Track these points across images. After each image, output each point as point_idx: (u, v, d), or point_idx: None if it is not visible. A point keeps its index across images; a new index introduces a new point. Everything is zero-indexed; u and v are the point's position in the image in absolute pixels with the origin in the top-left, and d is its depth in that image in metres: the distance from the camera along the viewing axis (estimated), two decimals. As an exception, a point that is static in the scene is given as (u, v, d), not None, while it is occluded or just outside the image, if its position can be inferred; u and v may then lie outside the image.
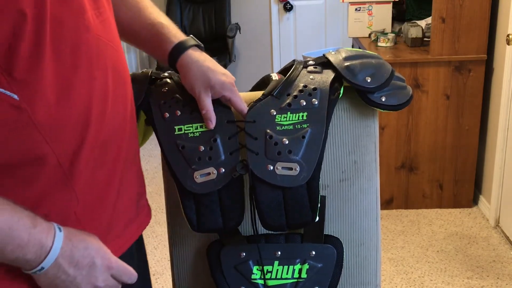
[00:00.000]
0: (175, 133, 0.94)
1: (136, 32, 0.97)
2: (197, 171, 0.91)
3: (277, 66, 4.89)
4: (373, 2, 3.19)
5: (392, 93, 0.97)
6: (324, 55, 1.01)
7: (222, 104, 0.95)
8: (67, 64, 0.72)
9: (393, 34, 2.98)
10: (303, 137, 0.91)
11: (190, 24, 4.60)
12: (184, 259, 1.05)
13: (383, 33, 3.05)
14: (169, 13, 4.59)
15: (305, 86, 0.95)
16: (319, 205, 0.93)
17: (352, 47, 3.73)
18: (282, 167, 0.90)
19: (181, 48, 0.93)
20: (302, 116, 0.93)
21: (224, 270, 0.97)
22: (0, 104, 0.66)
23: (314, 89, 0.95)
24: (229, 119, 0.94)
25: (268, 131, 0.92)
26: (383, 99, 0.96)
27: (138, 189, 0.93)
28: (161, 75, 1.01)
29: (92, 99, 0.76)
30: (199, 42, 0.96)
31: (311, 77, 0.97)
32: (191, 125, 0.94)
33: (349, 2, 3.25)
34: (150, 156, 3.79)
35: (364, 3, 3.21)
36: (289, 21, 4.77)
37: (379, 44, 2.98)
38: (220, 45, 4.50)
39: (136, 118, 0.96)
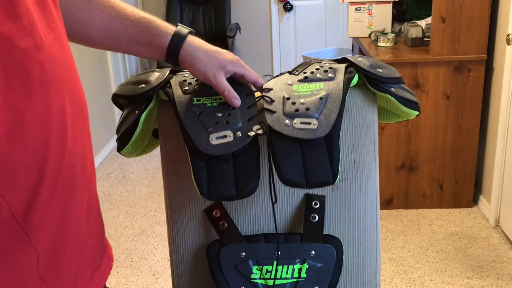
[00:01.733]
0: (193, 103, 0.93)
1: (118, 32, 0.90)
2: (213, 134, 0.89)
3: (277, 66, 4.89)
4: (373, 2, 3.19)
5: (401, 90, 0.99)
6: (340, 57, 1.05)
7: (236, 81, 0.94)
8: (18, 91, 0.60)
9: (393, 34, 2.98)
10: (321, 98, 0.92)
11: (190, 24, 4.61)
12: (184, 259, 1.05)
13: (383, 33, 3.05)
14: (169, 13, 4.60)
15: (321, 66, 0.98)
16: (339, 164, 0.90)
17: (352, 47, 3.73)
18: (301, 122, 0.89)
19: (179, 38, 0.90)
20: (319, 85, 0.95)
21: (223, 270, 0.97)
22: None
23: (330, 67, 0.98)
24: (248, 92, 0.94)
25: (285, 95, 0.93)
26: (393, 90, 0.97)
27: (101, 230, 0.84)
28: (183, 69, 1.02)
29: (50, 133, 0.65)
30: (190, 28, 0.94)
31: (326, 63, 1.00)
32: (210, 97, 0.94)
33: (349, 2, 3.25)
34: (150, 156, 3.80)
35: (364, 3, 3.21)
36: (289, 21, 4.77)
37: (379, 44, 2.98)
38: (220, 45, 4.47)
39: (148, 104, 0.96)
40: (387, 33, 3.01)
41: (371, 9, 3.21)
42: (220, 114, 0.91)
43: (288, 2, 4.66)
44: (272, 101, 0.92)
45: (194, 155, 0.89)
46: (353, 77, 0.96)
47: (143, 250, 2.67)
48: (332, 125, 0.88)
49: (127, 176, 3.54)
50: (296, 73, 0.97)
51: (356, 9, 3.24)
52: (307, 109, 0.90)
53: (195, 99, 0.93)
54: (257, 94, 0.97)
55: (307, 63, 1.02)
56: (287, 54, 4.85)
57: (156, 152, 0.95)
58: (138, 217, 3.01)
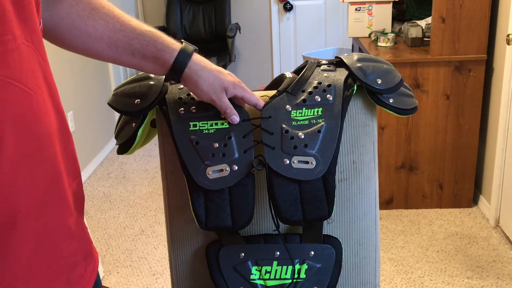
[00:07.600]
0: (190, 128, 0.94)
1: (122, 44, 0.87)
2: (210, 167, 0.91)
3: (277, 66, 4.89)
4: (373, 2, 3.19)
5: (399, 98, 1.00)
6: (336, 56, 1.03)
7: (235, 104, 0.95)
8: None
9: (393, 34, 2.98)
10: (319, 131, 0.92)
11: (190, 24, 4.60)
12: (183, 259, 1.05)
13: (383, 33, 3.05)
14: (169, 13, 4.59)
15: (319, 83, 0.97)
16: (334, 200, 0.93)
17: (352, 47, 3.73)
18: (299, 161, 0.91)
19: (185, 56, 0.89)
20: (317, 111, 0.94)
21: (223, 271, 0.97)
22: None
23: (329, 85, 0.96)
24: (244, 118, 0.95)
25: (284, 126, 0.93)
26: (391, 101, 0.98)
27: (68, 260, 0.75)
28: None
29: None
30: (194, 45, 0.93)
31: (325, 74, 0.99)
32: (206, 122, 0.94)
33: (349, 2, 3.25)
34: (150, 156, 3.80)
35: (364, 3, 3.20)
36: (289, 21, 4.77)
37: (379, 44, 2.98)
38: (220, 45, 4.50)
39: (145, 117, 0.96)
40: (387, 33, 3.01)
41: (371, 9, 3.21)
42: (216, 145, 0.92)
43: (288, 2, 4.66)
44: (271, 133, 0.93)
45: (192, 187, 0.92)
46: (351, 93, 0.97)
47: (143, 250, 2.67)
48: (329, 163, 0.91)
49: (127, 176, 3.54)
50: (294, 92, 0.96)
51: (356, 9, 3.24)
52: (305, 145, 0.91)
53: (191, 123, 0.94)
54: (255, 114, 0.96)
55: (307, 68, 1.01)
56: (287, 54, 4.85)
57: (156, 152, 0.95)
58: (138, 217, 3.01)
